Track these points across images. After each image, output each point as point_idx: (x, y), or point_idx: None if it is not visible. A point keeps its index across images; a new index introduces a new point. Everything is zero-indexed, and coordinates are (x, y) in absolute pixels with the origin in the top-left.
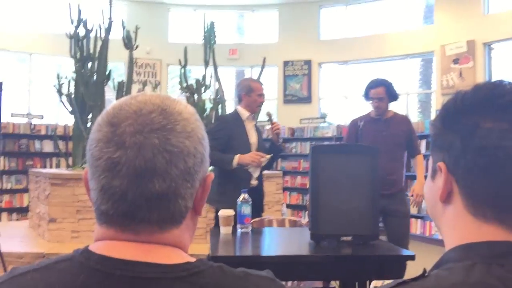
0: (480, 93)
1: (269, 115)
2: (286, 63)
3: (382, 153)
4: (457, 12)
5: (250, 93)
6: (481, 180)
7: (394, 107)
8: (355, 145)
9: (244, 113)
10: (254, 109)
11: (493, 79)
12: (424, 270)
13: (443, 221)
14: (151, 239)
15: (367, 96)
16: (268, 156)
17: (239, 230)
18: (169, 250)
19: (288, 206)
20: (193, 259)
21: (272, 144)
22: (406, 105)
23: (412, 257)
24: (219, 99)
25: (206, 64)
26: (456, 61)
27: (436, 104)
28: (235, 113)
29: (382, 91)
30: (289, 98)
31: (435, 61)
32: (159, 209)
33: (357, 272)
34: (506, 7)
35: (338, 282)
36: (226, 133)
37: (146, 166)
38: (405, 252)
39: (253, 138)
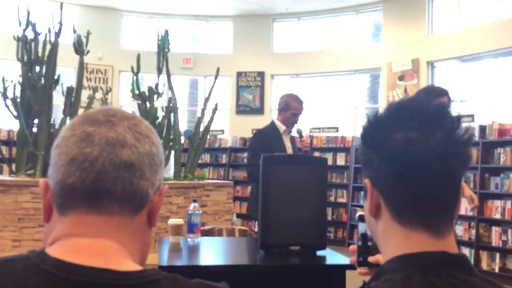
0: (391, 108)
1: (299, 132)
2: (239, 74)
3: None
4: (403, 31)
5: (286, 111)
6: (399, 188)
7: (344, 119)
8: (305, 156)
9: (281, 127)
10: (288, 126)
11: None
12: (364, 283)
13: (378, 235)
14: (110, 223)
15: None
16: None
17: (188, 239)
18: (122, 253)
19: (239, 215)
20: (148, 268)
21: None
22: (354, 119)
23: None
24: (171, 107)
25: (159, 71)
26: (401, 78)
27: None
28: (273, 126)
29: (446, 101)
30: (242, 109)
31: (382, 77)
32: (123, 180)
33: (305, 281)
34: (448, 29)
35: None
36: (266, 147)
37: (117, 138)
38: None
39: (289, 150)
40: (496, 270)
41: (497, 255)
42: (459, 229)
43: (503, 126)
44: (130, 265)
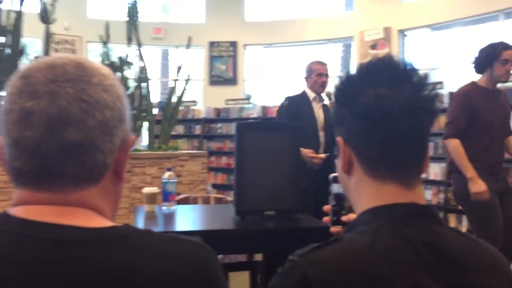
0: (361, 67)
1: (328, 95)
2: (212, 44)
3: (500, 130)
4: (376, 0)
5: (310, 75)
6: (370, 142)
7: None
8: (279, 122)
9: (311, 94)
10: (318, 90)
11: None
12: (338, 235)
13: (351, 191)
14: (68, 198)
15: (495, 57)
16: (323, 155)
17: (163, 208)
18: (90, 213)
19: (214, 186)
20: (118, 224)
21: None
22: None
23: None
24: (143, 78)
25: (129, 41)
26: (373, 46)
27: None
28: (303, 94)
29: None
30: (215, 79)
31: (354, 46)
32: (75, 162)
33: (279, 244)
34: None
35: (261, 255)
36: (293, 114)
37: (60, 115)
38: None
39: (320, 119)
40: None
41: (464, 218)
42: (428, 194)
43: None
44: (99, 222)
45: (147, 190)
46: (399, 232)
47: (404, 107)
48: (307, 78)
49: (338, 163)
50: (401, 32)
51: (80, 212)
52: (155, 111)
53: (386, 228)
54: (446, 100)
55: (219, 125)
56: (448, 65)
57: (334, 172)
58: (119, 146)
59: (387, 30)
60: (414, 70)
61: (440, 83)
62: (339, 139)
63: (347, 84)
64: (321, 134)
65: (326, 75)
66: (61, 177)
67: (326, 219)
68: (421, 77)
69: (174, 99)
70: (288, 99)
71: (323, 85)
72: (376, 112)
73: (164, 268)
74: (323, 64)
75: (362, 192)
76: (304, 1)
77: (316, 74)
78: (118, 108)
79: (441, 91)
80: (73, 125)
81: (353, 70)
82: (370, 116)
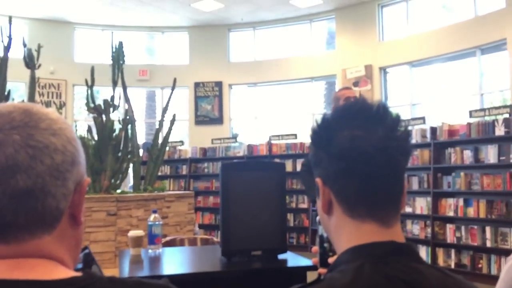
0: (336, 110)
1: None
2: (197, 85)
3: None
4: (356, 39)
5: (337, 103)
6: (347, 182)
7: (302, 126)
8: (264, 162)
9: None
10: None
11: (389, 100)
12: (319, 275)
13: (332, 231)
14: (23, 249)
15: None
16: None
17: (149, 251)
18: (48, 264)
19: (201, 226)
20: (78, 274)
21: None
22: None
23: (316, 268)
24: (128, 120)
25: (115, 84)
26: (356, 83)
27: None
28: None
29: None
30: (201, 119)
31: (337, 83)
32: (25, 209)
33: (267, 285)
34: (398, 35)
35: None
36: None
37: (7, 163)
38: (308, 263)
39: None
40: (452, 266)
41: (452, 251)
42: (416, 228)
43: (452, 127)
44: (58, 273)
45: (132, 233)
46: (379, 270)
47: (378, 147)
48: (334, 108)
49: (318, 203)
50: (382, 69)
51: (37, 264)
52: (141, 152)
53: (367, 267)
54: (428, 135)
55: (206, 164)
56: (429, 101)
57: None
58: (74, 189)
59: (368, 68)
60: (387, 111)
61: (422, 118)
62: (318, 180)
63: (323, 126)
64: None
65: (354, 97)
66: (12, 227)
67: (314, 260)
68: (394, 117)
69: (160, 140)
70: None
71: None
72: (351, 153)
73: None
74: (349, 88)
75: (342, 232)
76: (287, 41)
77: (344, 99)
78: (69, 151)
79: (423, 126)
80: (21, 172)
81: (328, 113)
82: (345, 157)
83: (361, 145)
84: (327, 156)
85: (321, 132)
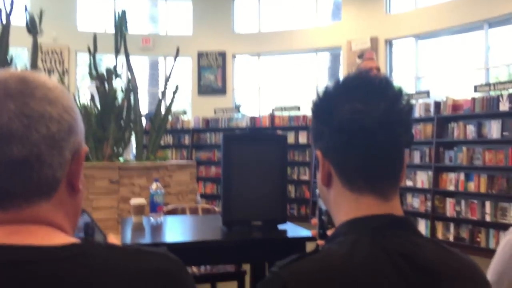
0: (337, 82)
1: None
2: (200, 54)
3: None
4: (362, 10)
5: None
6: (348, 155)
7: (306, 98)
8: (265, 133)
9: None
10: None
11: (393, 73)
12: (317, 246)
13: (330, 203)
14: (21, 216)
15: None
16: None
17: (151, 219)
18: (47, 230)
19: (203, 196)
20: (78, 240)
21: None
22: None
23: (314, 239)
24: (131, 88)
25: (117, 52)
26: (361, 56)
27: None
28: None
29: None
30: (204, 89)
31: (342, 55)
32: (22, 178)
33: (267, 254)
34: (405, 7)
35: (249, 265)
36: None
37: (1, 132)
38: (308, 234)
39: None
40: (451, 239)
41: (451, 225)
42: (416, 202)
43: (456, 102)
44: (56, 238)
45: (134, 201)
46: (377, 243)
47: (379, 121)
48: None
49: (318, 176)
50: (388, 41)
51: (36, 230)
52: (144, 121)
53: (364, 239)
54: (432, 109)
55: (208, 134)
56: (434, 74)
57: None
58: (71, 158)
59: (374, 40)
60: (389, 85)
61: (427, 92)
62: (318, 152)
63: (324, 99)
64: None
65: (376, 68)
66: (9, 195)
67: (313, 232)
68: (396, 91)
69: (162, 110)
70: None
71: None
72: (352, 126)
73: (125, 285)
74: (371, 59)
75: (341, 204)
76: (292, 11)
77: (364, 71)
78: (65, 120)
79: (427, 100)
80: (15, 141)
81: (330, 84)
82: (346, 130)
83: (362, 118)
84: (327, 129)
85: (322, 104)
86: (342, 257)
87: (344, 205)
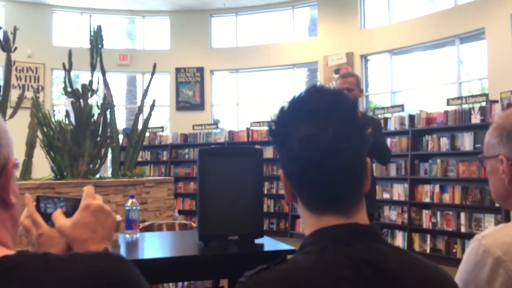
0: (289, 107)
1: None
2: (178, 70)
3: None
4: (338, 26)
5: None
6: (302, 182)
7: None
8: (241, 147)
9: None
10: None
11: (369, 88)
12: (284, 255)
13: (300, 216)
14: None
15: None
16: None
17: (126, 236)
18: None
19: (182, 212)
20: (11, 252)
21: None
22: None
23: (292, 251)
24: (107, 104)
25: (93, 68)
26: (337, 71)
27: None
28: None
29: None
30: (182, 105)
31: (319, 70)
32: None
33: (244, 269)
34: (379, 23)
35: (226, 280)
36: None
37: None
38: (284, 247)
39: None
40: (428, 251)
41: (428, 237)
42: (393, 214)
43: (430, 115)
44: None
45: None
46: (342, 251)
47: (327, 149)
48: None
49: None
50: (363, 57)
51: None
52: (121, 138)
53: (330, 248)
54: (406, 122)
55: (186, 150)
56: (408, 88)
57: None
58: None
59: (349, 55)
60: (338, 106)
61: (401, 106)
62: (280, 171)
63: (277, 125)
64: None
65: (347, 89)
66: None
67: None
68: (346, 111)
69: (140, 126)
70: None
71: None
72: (302, 156)
73: None
74: (344, 77)
75: (306, 220)
76: (269, 27)
77: (338, 89)
78: None
79: (401, 114)
80: None
81: (283, 107)
82: (297, 160)
83: (310, 149)
84: (281, 155)
85: (276, 131)
86: (307, 266)
87: (308, 222)
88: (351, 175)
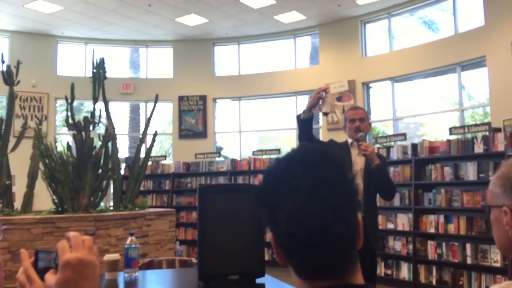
0: (273, 181)
1: (358, 139)
2: (181, 98)
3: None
4: (339, 54)
5: (345, 123)
6: (292, 256)
7: (286, 141)
8: (241, 184)
9: (349, 140)
10: (353, 136)
11: (371, 115)
12: None
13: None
14: None
15: (345, 119)
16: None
17: (125, 275)
18: None
19: (184, 242)
20: None
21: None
22: (296, 140)
23: None
24: (108, 136)
25: (95, 100)
26: (339, 98)
27: (323, 139)
28: (345, 141)
29: None
30: (185, 133)
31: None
32: None
33: None
34: (380, 51)
35: None
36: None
37: None
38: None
39: (357, 165)
40: (434, 283)
41: (434, 268)
42: (398, 244)
43: (433, 143)
44: None
45: (108, 257)
46: None
47: (315, 228)
48: (344, 128)
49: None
50: (365, 84)
51: None
52: (123, 167)
53: None
54: (409, 151)
55: (189, 179)
56: (410, 115)
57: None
58: None
59: (351, 83)
60: (327, 175)
61: (403, 134)
62: (271, 236)
63: (263, 200)
64: (359, 181)
65: (359, 119)
66: None
67: None
68: (336, 180)
69: (142, 155)
70: (330, 141)
71: (357, 129)
72: (289, 235)
73: None
74: (354, 109)
75: (297, 283)
76: (271, 56)
77: (349, 121)
78: None
79: (404, 143)
80: None
81: (270, 177)
82: (285, 237)
83: (297, 227)
84: (270, 225)
85: (263, 205)
86: None
87: (300, 286)
88: (341, 246)
